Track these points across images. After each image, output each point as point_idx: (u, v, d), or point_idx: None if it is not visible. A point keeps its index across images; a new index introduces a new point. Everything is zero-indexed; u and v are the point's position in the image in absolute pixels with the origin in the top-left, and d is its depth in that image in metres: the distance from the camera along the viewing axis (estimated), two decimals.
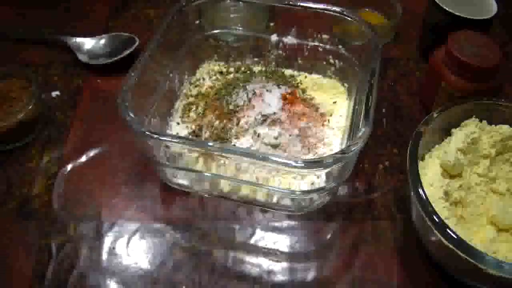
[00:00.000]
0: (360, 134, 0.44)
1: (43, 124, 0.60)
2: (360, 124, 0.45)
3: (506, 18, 0.74)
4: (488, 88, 0.54)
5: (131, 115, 0.45)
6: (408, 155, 0.46)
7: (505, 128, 0.51)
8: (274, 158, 0.43)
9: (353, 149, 0.43)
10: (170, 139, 0.45)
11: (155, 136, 0.45)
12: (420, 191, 0.43)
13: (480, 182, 0.50)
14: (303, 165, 0.42)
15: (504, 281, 0.41)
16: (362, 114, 0.46)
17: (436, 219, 0.41)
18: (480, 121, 0.51)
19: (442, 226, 0.41)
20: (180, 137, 0.48)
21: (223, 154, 0.45)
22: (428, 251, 0.48)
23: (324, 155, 0.52)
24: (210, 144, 0.44)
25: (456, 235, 0.40)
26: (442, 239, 0.41)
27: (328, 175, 0.49)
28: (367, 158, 0.57)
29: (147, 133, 0.44)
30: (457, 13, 0.59)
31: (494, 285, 0.44)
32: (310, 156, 0.53)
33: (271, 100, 0.54)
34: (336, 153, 0.43)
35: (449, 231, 0.41)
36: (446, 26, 0.59)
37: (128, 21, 0.75)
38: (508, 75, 0.61)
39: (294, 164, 0.42)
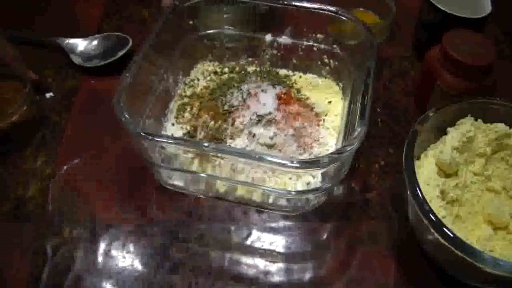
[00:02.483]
0: (355, 134, 0.44)
1: (38, 126, 0.59)
2: (356, 124, 0.45)
3: (501, 17, 0.74)
4: (483, 87, 0.54)
5: (127, 116, 0.45)
6: (403, 155, 0.46)
7: (500, 126, 0.51)
8: (269, 158, 0.42)
9: (348, 149, 0.43)
10: (165, 140, 0.45)
11: (150, 137, 0.44)
12: (417, 190, 0.43)
13: (476, 181, 0.50)
14: (298, 165, 0.42)
15: (501, 279, 0.41)
16: (358, 114, 0.46)
17: (433, 218, 0.41)
18: (476, 119, 0.51)
19: (439, 225, 0.41)
20: (175, 138, 0.48)
21: (218, 154, 0.45)
22: (424, 250, 0.48)
23: (320, 155, 0.52)
24: (205, 144, 0.44)
25: (453, 233, 0.40)
26: (439, 238, 0.41)
27: (324, 175, 0.49)
28: (362, 157, 0.57)
29: (143, 134, 0.44)
30: (451, 12, 0.59)
31: (491, 283, 0.45)
32: (305, 156, 0.53)
33: (266, 100, 0.54)
34: (332, 153, 0.43)
35: (446, 229, 0.41)
36: (441, 25, 0.59)
37: (121, 21, 0.74)
38: (502, 74, 0.61)
39: (289, 164, 0.42)
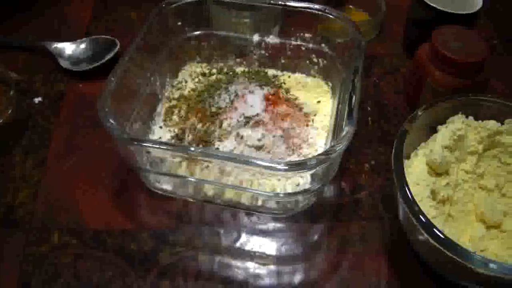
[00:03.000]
0: (343, 133, 0.43)
1: (25, 130, 0.59)
2: (344, 124, 0.44)
3: (493, 13, 0.73)
4: (474, 84, 0.54)
5: (111, 121, 0.44)
6: (393, 154, 0.45)
7: (492, 123, 0.50)
8: (257, 162, 0.42)
9: (337, 149, 0.42)
10: (151, 145, 0.44)
11: (136, 142, 0.44)
12: (406, 190, 0.43)
13: (467, 179, 0.49)
14: (286, 167, 0.42)
15: (493, 279, 0.40)
16: (346, 113, 0.45)
17: (423, 219, 0.41)
18: (467, 117, 0.51)
19: (428, 226, 0.40)
20: (161, 143, 0.47)
21: (205, 158, 0.44)
22: (416, 251, 0.47)
23: (308, 157, 0.52)
24: (192, 149, 0.44)
25: (443, 234, 0.40)
26: (430, 239, 0.40)
27: (313, 176, 0.48)
28: (352, 157, 0.56)
29: (128, 139, 0.44)
30: (441, 8, 0.59)
31: (483, 284, 0.44)
32: (294, 157, 0.52)
33: (254, 101, 0.53)
34: (319, 154, 0.42)
35: (436, 230, 0.40)
36: (431, 22, 0.59)
37: (109, 24, 0.74)
38: (494, 70, 0.60)
39: (277, 167, 0.42)
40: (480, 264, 0.39)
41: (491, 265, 0.39)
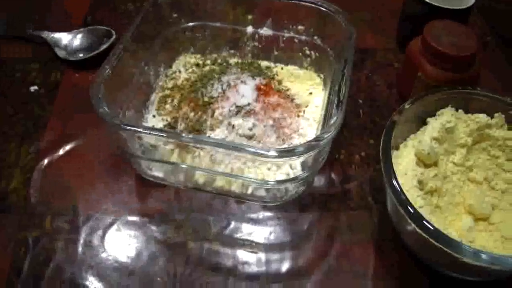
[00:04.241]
0: (332, 122, 0.44)
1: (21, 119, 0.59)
2: (333, 113, 0.45)
3: (486, 9, 0.74)
4: (465, 78, 0.54)
5: (104, 107, 0.45)
6: (381, 144, 0.46)
7: (481, 117, 0.50)
8: (247, 148, 0.43)
9: (325, 136, 0.43)
10: (143, 131, 0.45)
11: (128, 127, 0.44)
12: (393, 180, 0.43)
13: (456, 171, 0.49)
14: (276, 154, 0.42)
15: (480, 269, 0.41)
16: (335, 103, 0.46)
17: (410, 209, 0.41)
18: (456, 110, 0.51)
19: (416, 216, 0.41)
20: (153, 129, 0.48)
21: (197, 145, 0.45)
22: (404, 241, 0.48)
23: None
24: (184, 135, 0.44)
25: (431, 224, 0.40)
26: (417, 228, 0.41)
27: (303, 166, 0.49)
28: (343, 149, 0.57)
29: (121, 125, 0.44)
30: (434, 3, 0.59)
31: (470, 274, 0.45)
32: (285, 147, 0.53)
33: (246, 91, 0.54)
34: (308, 141, 0.43)
35: (423, 220, 0.40)
36: (424, 17, 0.59)
37: (106, 15, 0.74)
38: (487, 66, 0.61)
39: (266, 153, 0.42)
40: (470, 255, 0.39)
41: (483, 256, 0.39)
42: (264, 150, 0.42)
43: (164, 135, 0.46)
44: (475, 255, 0.39)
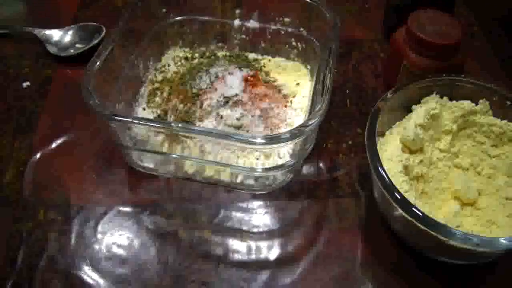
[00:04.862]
0: (317, 109, 0.45)
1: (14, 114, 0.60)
2: (318, 100, 0.46)
3: (473, 0, 0.75)
4: (450, 66, 0.55)
5: (95, 99, 0.46)
6: (366, 131, 0.47)
7: (466, 103, 0.51)
8: (235, 136, 0.43)
9: (310, 123, 0.44)
10: (132, 121, 0.45)
11: (119, 118, 0.45)
12: (378, 165, 0.44)
13: (442, 158, 0.50)
14: (263, 141, 0.43)
15: (467, 252, 0.42)
16: (320, 91, 0.47)
17: (396, 194, 0.42)
18: (441, 97, 0.52)
19: (402, 200, 0.41)
20: (144, 119, 0.48)
21: (186, 133, 0.46)
22: (391, 227, 0.49)
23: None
24: (173, 124, 0.45)
25: (417, 208, 0.41)
26: (403, 213, 0.41)
27: (291, 153, 0.50)
28: (330, 138, 0.57)
29: (111, 116, 0.45)
30: None
31: (457, 257, 0.45)
32: None
33: (233, 82, 0.55)
34: (294, 128, 0.44)
35: (409, 205, 0.41)
36: (409, 7, 0.59)
37: (96, 11, 0.75)
38: (473, 54, 0.61)
39: (253, 140, 0.43)
40: (459, 239, 0.39)
41: (473, 239, 0.39)
42: (251, 137, 0.43)
43: (154, 124, 0.46)
44: (461, 238, 0.39)
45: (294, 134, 0.43)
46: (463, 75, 0.52)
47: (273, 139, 0.43)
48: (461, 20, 0.57)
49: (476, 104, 0.51)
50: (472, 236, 0.39)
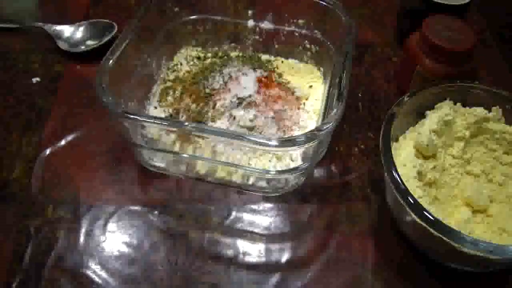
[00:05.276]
0: (333, 113, 0.44)
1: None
2: (333, 105, 0.45)
3: (484, 5, 0.75)
4: (463, 72, 0.55)
5: (108, 96, 0.45)
6: (381, 135, 0.46)
7: (479, 110, 0.51)
8: (248, 137, 0.43)
9: (325, 127, 0.43)
10: (145, 119, 0.45)
11: (132, 116, 0.45)
12: (393, 170, 0.44)
13: (454, 164, 0.50)
14: (277, 143, 0.43)
15: (478, 259, 0.42)
16: (336, 95, 0.46)
17: (410, 199, 0.42)
18: (455, 103, 0.52)
19: (415, 206, 0.41)
20: (155, 117, 0.48)
21: (199, 134, 0.45)
22: (402, 231, 0.48)
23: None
24: (186, 123, 0.44)
25: (431, 214, 0.41)
26: (416, 218, 0.41)
27: (303, 157, 0.49)
28: (343, 142, 0.57)
29: (124, 114, 0.45)
30: None
31: (468, 264, 0.45)
32: None
33: (247, 83, 0.54)
34: (309, 132, 0.43)
35: (423, 210, 0.41)
36: (422, 12, 0.60)
37: (108, 8, 0.75)
38: (485, 61, 0.61)
39: (267, 142, 0.43)
40: (469, 244, 0.39)
41: (481, 245, 0.39)
42: (265, 139, 0.43)
43: (167, 123, 0.46)
44: (474, 244, 0.39)
45: (309, 137, 0.43)
46: (476, 82, 0.52)
47: (287, 142, 0.43)
48: (473, 26, 0.57)
49: (489, 111, 0.51)
50: (484, 243, 0.39)
